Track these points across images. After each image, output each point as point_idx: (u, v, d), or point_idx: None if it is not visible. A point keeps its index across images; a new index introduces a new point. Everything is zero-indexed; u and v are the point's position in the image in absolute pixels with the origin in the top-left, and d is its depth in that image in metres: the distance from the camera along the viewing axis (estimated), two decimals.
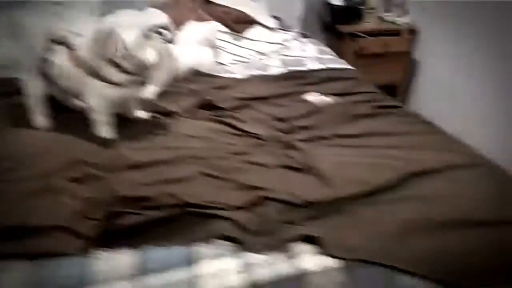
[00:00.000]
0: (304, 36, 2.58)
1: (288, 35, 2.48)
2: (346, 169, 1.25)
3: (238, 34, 2.37)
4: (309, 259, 1.01)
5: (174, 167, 1.27)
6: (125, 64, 1.31)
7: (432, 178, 1.23)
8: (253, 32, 2.43)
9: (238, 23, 2.38)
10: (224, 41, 2.28)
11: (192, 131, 1.49)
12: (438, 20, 2.65)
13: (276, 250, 1.03)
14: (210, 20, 2.34)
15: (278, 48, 2.36)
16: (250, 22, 2.45)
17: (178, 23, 2.25)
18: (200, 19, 2.33)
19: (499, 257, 1.06)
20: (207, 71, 2.00)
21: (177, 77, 1.61)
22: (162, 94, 1.45)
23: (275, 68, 2.15)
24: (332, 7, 2.84)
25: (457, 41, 2.51)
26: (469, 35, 2.39)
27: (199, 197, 1.13)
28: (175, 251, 1.02)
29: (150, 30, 1.35)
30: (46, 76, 1.44)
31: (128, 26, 1.35)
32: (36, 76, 1.44)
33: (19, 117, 1.47)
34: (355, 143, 1.45)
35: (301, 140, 1.46)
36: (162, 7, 2.29)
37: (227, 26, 2.36)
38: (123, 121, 1.47)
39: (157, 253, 1.01)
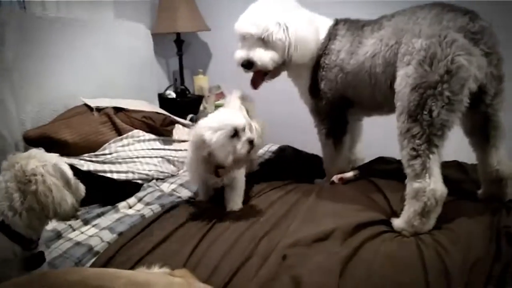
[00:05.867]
0: None
1: None
2: None
3: (168, 138, 2.19)
4: None
5: None
6: None
7: None
8: (176, 133, 2.29)
9: (164, 126, 2.20)
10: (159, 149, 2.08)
11: None
12: None
13: None
14: (131, 129, 2.12)
15: None
16: (172, 123, 2.29)
17: (93, 142, 1.99)
18: (120, 130, 2.10)
19: None
20: None
21: None
22: None
23: None
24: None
25: None
26: None
27: None
28: None
29: None
30: None
31: None
32: None
33: None
34: None
35: None
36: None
37: (154, 131, 2.16)
38: None
39: None
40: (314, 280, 1.16)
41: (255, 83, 1.83)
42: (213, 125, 1.45)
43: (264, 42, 1.68)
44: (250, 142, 1.46)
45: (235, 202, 1.64)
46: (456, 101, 1.34)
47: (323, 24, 1.76)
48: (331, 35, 1.72)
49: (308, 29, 1.71)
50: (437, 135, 1.36)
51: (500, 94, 1.46)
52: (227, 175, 1.59)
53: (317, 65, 1.74)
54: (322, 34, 1.74)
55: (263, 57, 1.70)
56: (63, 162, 1.21)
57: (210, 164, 1.50)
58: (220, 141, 1.43)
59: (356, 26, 1.69)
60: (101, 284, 0.87)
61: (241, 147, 1.44)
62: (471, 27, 1.34)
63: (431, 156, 1.37)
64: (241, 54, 1.74)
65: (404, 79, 1.40)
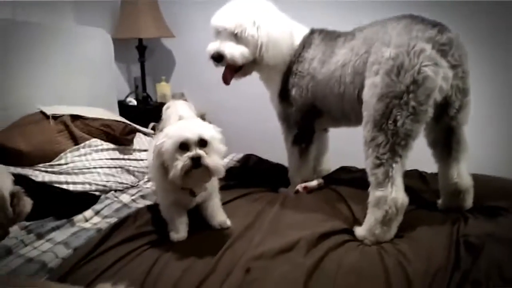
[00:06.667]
0: None
1: None
2: None
3: (128, 147, 2.12)
4: None
5: None
6: None
7: None
8: (137, 141, 2.23)
9: (124, 134, 2.14)
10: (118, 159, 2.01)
11: None
12: None
13: None
14: (89, 138, 2.04)
15: None
16: (133, 131, 2.23)
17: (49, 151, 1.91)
18: (78, 139, 2.02)
19: None
20: None
21: None
22: None
23: None
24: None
25: None
26: None
27: None
28: None
29: None
30: None
31: None
32: None
33: None
34: None
35: None
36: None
37: (113, 140, 2.09)
38: None
39: None
40: None
41: (225, 79, 1.83)
42: (169, 132, 1.35)
43: (236, 37, 1.70)
44: (193, 159, 1.26)
45: (221, 215, 1.53)
46: (421, 111, 1.35)
47: (299, 32, 1.78)
48: (306, 43, 1.74)
49: (282, 32, 1.73)
50: (401, 144, 1.38)
51: (464, 107, 1.49)
52: (200, 190, 1.44)
53: (289, 71, 1.75)
54: (297, 41, 1.76)
55: (233, 50, 1.70)
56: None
57: (167, 176, 1.34)
58: (168, 151, 1.30)
59: (330, 37, 1.71)
60: None
61: (180, 162, 1.26)
62: (440, 39, 1.36)
63: (394, 165, 1.39)
64: (212, 46, 1.74)
65: (371, 89, 1.42)
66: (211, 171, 1.30)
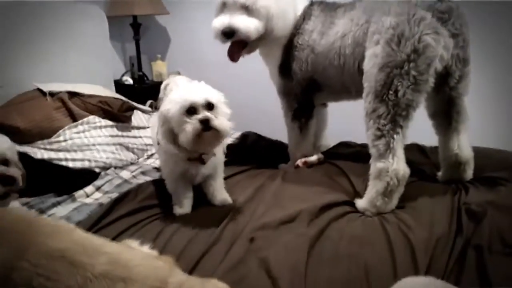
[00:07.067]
0: None
1: None
2: None
3: (126, 124, 2.11)
4: None
5: None
6: None
7: None
8: (135, 119, 2.21)
9: (122, 111, 2.12)
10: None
11: None
12: None
13: None
14: (87, 115, 2.03)
15: None
16: (131, 108, 2.21)
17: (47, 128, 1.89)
18: (75, 116, 2.00)
19: None
20: None
21: None
22: None
23: None
24: None
25: None
26: None
27: None
28: None
29: None
30: None
31: None
32: None
33: None
34: None
35: None
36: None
37: (111, 117, 2.07)
38: None
39: None
40: (282, 260, 1.15)
41: (233, 55, 1.74)
42: (174, 97, 1.33)
43: (247, 10, 1.62)
44: (203, 122, 1.26)
45: (223, 193, 1.52)
46: (422, 81, 1.35)
47: (300, 3, 1.74)
48: (306, 14, 1.70)
49: (289, 2, 1.69)
50: (402, 115, 1.37)
51: (465, 77, 1.48)
52: (210, 157, 1.42)
53: (289, 44, 1.72)
54: (298, 12, 1.72)
55: (248, 24, 1.63)
56: None
57: (177, 144, 1.33)
58: (175, 116, 1.29)
59: (330, 8, 1.68)
60: (81, 260, 0.84)
61: (190, 125, 1.26)
62: (439, 6, 1.35)
63: (395, 136, 1.39)
64: (222, 20, 1.64)
65: (372, 59, 1.41)
66: (220, 133, 1.30)
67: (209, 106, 1.30)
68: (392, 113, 1.37)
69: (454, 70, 1.45)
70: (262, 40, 1.70)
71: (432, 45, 1.32)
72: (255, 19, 1.63)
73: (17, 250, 0.84)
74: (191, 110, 1.28)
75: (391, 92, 1.36)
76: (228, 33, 1.63)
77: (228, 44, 1.73)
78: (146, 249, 1.09)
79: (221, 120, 1.30)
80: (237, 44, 1.71)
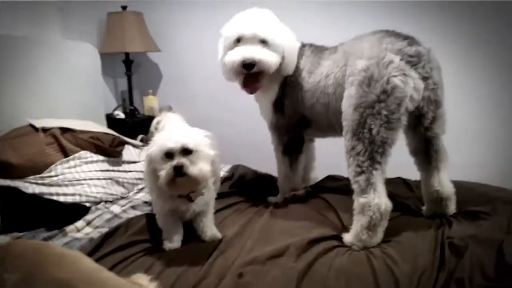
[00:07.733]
0: None
1: None
2: None
3: (117, 159, 2.14)
4: None
5: None
6: None
7: None
8: (126, 153, 2.24)
9: (113, 146, 2.15)
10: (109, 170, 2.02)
11: None
12: None
13: None
14: (78, 150, 2.05)
15: None
16: (122, 143, 2.24)
17: (39, 163, 1.91)
18: (67, 152, 2.03)
19: None
20: None
21: None
22: None
23: None
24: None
25: None
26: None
27: None
28: None
29: None
30: None
31: None
32: None
33: None
34: None
35: None
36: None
37: (103, 152, 2.10)
38: None
39: None
40: None
41: (251, 86, 1.76)
42: (158, 139, 1.37)
43: (266, 44, 1.67)
44: (176, 168, 1.29)
45: (213, 229, 1.54)
46: (394, 119, 1.41)
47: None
48: (299, 55, 1.78)
49: (295, 42, 1.78)
50: (378, 152, 1.43)
51: (438, 118, 1.55)
52: (197, 195, 1.45)
53: (284, 81, 1.79)
54: None
55: (270, 57, 1.67)
56: None
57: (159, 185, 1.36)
58: (156, 158, 1.33)
59: (318, 50, 1.77)
60: None
61: (164, 171, 1.30)
62: (408, 50, 1.43)
63: (374, 172, 1.44)
64: (242, 53, 1.66)
65: (348, 99, 1.48)
66: (194, 179, 1.32)
67: (187, 151, 1.32)
68: (369, 150, 1.43)
69: (426, 111, 1.52)
70: (270, 75, 1.74)
71: (400, 86, 1.39)
72: (274, 53, 1.69)
73: (26, 276, 0.86)
74: (169, 154, 1.32)
75: (365, 130, 1.42)
76: (249, 65, 1.67)
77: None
78: (153, 286, 1.09)
79: (199, 165, 1.32)
80: (255, 76, 1.74)
